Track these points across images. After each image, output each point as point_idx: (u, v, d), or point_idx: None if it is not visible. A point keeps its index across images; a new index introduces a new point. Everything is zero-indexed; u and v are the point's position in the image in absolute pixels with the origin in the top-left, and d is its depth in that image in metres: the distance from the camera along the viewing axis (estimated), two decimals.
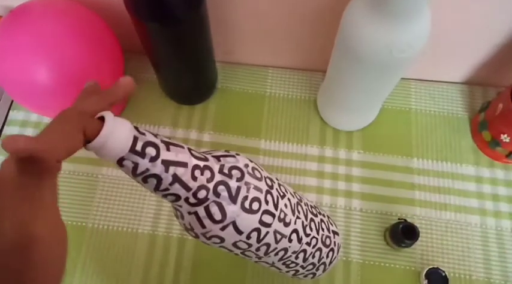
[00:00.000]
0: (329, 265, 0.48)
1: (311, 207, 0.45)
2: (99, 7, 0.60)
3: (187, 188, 0.30)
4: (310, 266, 0.45)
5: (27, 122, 0.67)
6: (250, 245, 0.35)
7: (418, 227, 0.56)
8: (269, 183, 0.36)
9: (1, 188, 0.23)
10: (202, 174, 0.31)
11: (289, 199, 0.39)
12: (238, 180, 0.33)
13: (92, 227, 0.60)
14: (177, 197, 0.31)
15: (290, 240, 0.38)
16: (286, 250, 0.39)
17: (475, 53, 0.64)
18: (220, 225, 0.32)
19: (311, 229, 0.42)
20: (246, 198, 0.33)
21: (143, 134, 0.28)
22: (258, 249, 0.36)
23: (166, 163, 0.29)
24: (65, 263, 0.26)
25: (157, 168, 0.28)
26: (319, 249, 0.44)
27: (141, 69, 0.70)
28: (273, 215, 0.35)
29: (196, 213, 0.32)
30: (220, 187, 0.32)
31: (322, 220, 0.46)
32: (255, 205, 0.33)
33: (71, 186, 0.62)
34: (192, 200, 0.31)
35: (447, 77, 0.71)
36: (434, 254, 0.59)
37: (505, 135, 0.60)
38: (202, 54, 0.59)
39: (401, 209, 0.61)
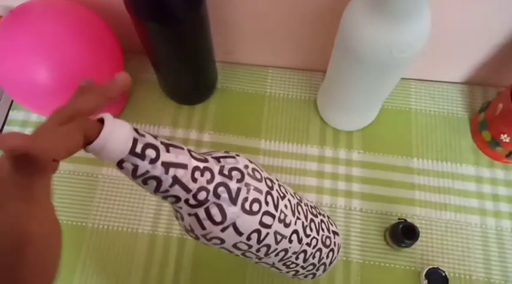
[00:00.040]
0: (329, 265, 0.48)
1: (311, 207, 0.45)
2: (99, 7, 0.60)
3: (187, 190, 0.30)
4: (311, 267, 0.45)
5: (27, 122, 0.67)
6: (250, 246, 0.35)
7: (418, 227, 0.56)
8: (269, 183, 0.36)
9: None
10: (202, 175, 0.31)
11: (289, 200, 0.39)
12: (239, 181, 0.33)
13: (92, 227, 0.60)
14: (177, 199, 0.31)
15: (290, 241, 0.38)
16: (286, 250, 0.39)
17: (475, 53, 0.64)
18: (221, 227, 0.32)
19: (311, 230, 0.42)
20: (246, 199, 0.33)
21: (143, 136, 0.28)
22: (258, 250, 0.36)
23: (166, 165, 0.29)
24: (59, 261, 0.26)
25: (157, 170, 0.28)
26: (320, 249, 0.44)
27: (141, 69, 0.70)
28: (273, 217, 0.35)
29: (196, 215, 0.32)
30: (221, 189, 0.32)
31: (322, 221, 0.46)
32: (255, 207, 0.33)
33: (71, 186, 0.62)
34: (192, 201, 0.31)
35: (447, 77, 0.70)
36: (434, 254, 0.59)
37: (505, 135, 0.60)
38: (202, 54, 0.59)
39: (401, 209, 0.61)
